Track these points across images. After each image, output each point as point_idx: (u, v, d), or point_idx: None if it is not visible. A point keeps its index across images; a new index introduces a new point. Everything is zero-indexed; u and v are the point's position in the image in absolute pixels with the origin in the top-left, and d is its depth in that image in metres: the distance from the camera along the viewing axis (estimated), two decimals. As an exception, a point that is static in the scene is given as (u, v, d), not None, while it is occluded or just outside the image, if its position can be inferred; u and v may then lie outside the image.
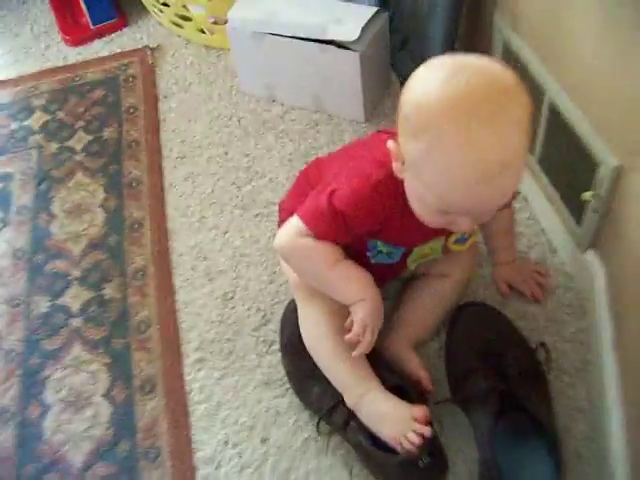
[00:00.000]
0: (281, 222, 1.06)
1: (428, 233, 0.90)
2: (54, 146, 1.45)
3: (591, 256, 1.03)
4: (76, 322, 1.16)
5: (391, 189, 0.82)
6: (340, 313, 0.92)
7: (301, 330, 0.96)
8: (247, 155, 1.37)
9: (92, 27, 1.66)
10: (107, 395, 1.06)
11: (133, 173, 1.37)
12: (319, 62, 1.30)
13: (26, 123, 1.50)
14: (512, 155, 0.67)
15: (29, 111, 1.53)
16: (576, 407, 0.97)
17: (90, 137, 1.45)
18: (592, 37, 0.90)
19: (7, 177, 1.40)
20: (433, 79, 0.69)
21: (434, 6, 1.19)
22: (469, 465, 0.93)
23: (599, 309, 0.98)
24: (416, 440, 0.84)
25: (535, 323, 1.06)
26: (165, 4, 1.56)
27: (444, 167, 0.68)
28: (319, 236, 0.86)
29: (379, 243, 0.93)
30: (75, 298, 1.19)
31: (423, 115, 0.69)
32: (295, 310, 0.99)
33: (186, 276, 1.20)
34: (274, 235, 1.18)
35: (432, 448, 0.86)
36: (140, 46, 1.64)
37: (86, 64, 1.61)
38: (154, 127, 1.44)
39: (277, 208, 1.11)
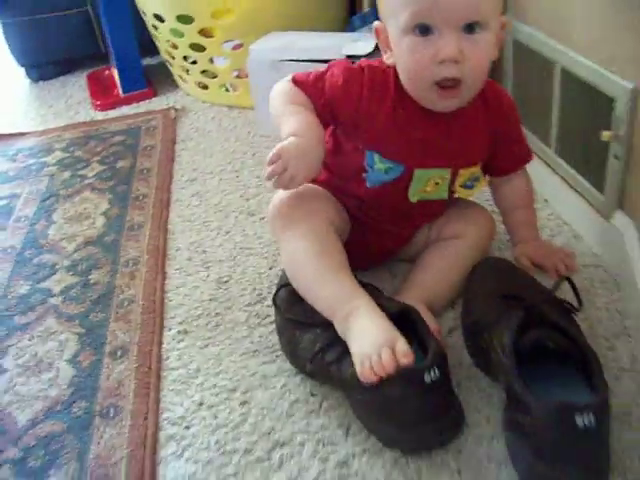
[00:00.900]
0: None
1: (430, 151, 0.87)
2: (67, 174, 1.44)
3: (619, 218, 0.95)
4: (54, 300, 1.05)
5: (377, 79, 0.86)
6: (319, 237, 0.84)
7: (282, 261, 0.88)
8: (258, 177, 1.34)
9: (122, 95, 1.74)
10: (72, 360, 0.93)
11: (141, 191, 1.33)
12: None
13: (43, 160, 1.51)
14: None
15: (49, 151, 1.55)
16: (619, 367, 0.83)
17: (104, 167, 1.45)
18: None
19: (14, 196, 1.38)
20: None
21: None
22: (492, 425, 0.77)
23: (635, 270, 0.87)
24: (387, 365, 0.70)
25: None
26: (194, 62, 1.64)
27: None
28: (297, 82, 0.89)
29: (376, 157, 0.87)
30: (59, 282, 1.09)
31: None
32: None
33: (181, 265, 1.11)
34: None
35: (440, 364, 0.71)
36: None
37: (111, 120, 1.66)
38: (168, 159, 1.44)
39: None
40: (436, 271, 0.94)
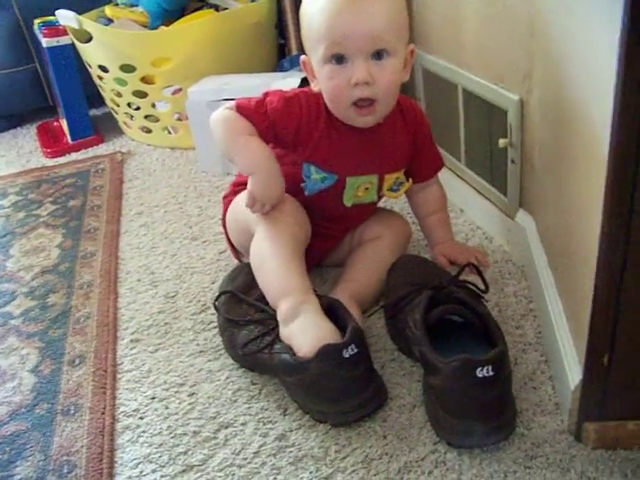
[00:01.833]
0: (225, 211, 1.13)
1: (358, 161, 1.01)
2: (22, 214, 1.53)
3: (521, 216, 1.10)
4: (15, 322, 1.14)
5: (311, 102, 1.00)
6: (288, 230, 0.96)
7: (251, 251, 0.98)
8: (200, 207, 1.47)
9: (71, 142, 1.85)
10: (33, 370, 1.02)
11: (92, 225, 1.44)
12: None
13: (-2, 203, 1.61)
14: None
15: (3, 195, 1.64)
16: (526, 342, 0.95)
17: (56, 206, 1.55)
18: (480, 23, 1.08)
19: (-31, 237, 1.46)
20: None
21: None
22: (413, 396, 0.88)
23: (535, 259, 1.01)
24: None
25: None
26: (137, 108, 1.76)
27: (320, 9, 0.90)
28: (240, 109, 0.98)
29: (312, 168, 1.01)
30: (18, 306, 1.18)
31: (302, 10, 0.96)
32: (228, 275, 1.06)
33: (132, 285, 1.21)
34: (220, 253, 1.25)
35: (358, 341, 0.83)
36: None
37: (61, 166, 1.77)
38: (117, 196, 1.54)
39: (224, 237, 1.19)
40: (361, 268, 1.07)
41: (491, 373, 0.75)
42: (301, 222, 1.01)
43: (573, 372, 0.77)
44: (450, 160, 1.28)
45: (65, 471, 0.83)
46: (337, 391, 0.83)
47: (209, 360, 1.00)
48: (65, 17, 1.71)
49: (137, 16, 1.80)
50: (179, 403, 0.93)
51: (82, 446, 0.87)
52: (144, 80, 1.71)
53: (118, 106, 1.84)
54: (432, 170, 1.13)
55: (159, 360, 1.01)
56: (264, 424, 0.87)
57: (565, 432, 0.79)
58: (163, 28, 1.72)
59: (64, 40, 1.75)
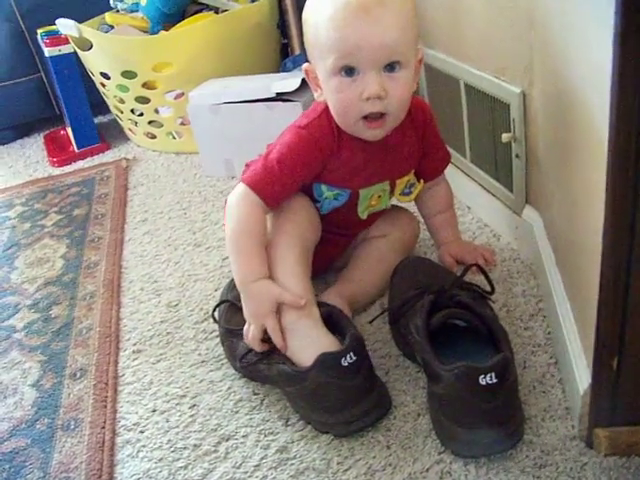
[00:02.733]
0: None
1: (369, 172, 0.97)
2: (27, 225, 1.53)
3: (528, 212, 1.06)
4: (18, 335, 1.13)
5: (322, 125, 0.93)
6: (297, 230, 0.93)
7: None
8: (204, 212, 1.45)
9: (77, 151, 1.84)
10: (35, 384, 1.01)
11: (96, 234, 1.43)
12: (269, 122, 1.43)
13: (5, 214, 1.60)
14: None
15: (10, 207, 1.64)
16: (534, 344, 0.92)
17: (61, 216, 1.54)
18: (480, 16, 1.05)
19: (-24, 250, 1.46)
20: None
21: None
22: (417, 403, 0.86)
23: (543, 256, 0.98)
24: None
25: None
26: (141, 114, 1.75)
27: (328, 18, 0.82)
28: (266, 198, 0.91)
29: (323, 187, 0.97)
30: (21, 319, 1.18)
31: (305, 16, 0.89)
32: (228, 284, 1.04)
33: (134, 295, 1.20)
34: (224, 259, 1.24)
35: (357, 349, 0.80)
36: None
37: (67, 174, 1.77)
38: (121, 203, 1.53)
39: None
40: (362, 267, 1.04)
41: (495, 380, 0.72)
42: (311, 220, 0.98)
43: (582, 376, 0.74)
44: (456, 157, 1.25)
45: (63, 488, 0.82)
46: (337, 401, 0.80)
47: (211, 370, 0.98)
48: (65, 26, 1.70)
49: (137, 22, 1.79)
50: (180, 415, 0.91)
51: (81, 462, 0.85)
52: (146, 86, 1.69)
53: (122, 113, 1.83)
54: (440, 167, 1.09)
55: (161, 371, 1.00)
56: (265, 436, 0.85)
57: (576, 438, 0.76)
58: (163, 33, 1.70)
59: (66, 49, 1.74)
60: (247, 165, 1.08)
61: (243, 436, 0.86)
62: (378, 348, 0.96)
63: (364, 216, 1.02)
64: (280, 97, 1.42)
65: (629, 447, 0.72)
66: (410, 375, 0.91)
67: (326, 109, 0.93)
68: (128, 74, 1.67)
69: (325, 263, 1.11)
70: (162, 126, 1.75)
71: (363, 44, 0.81)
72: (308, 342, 0.84)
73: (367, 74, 0.84)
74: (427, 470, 0.76)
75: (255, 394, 0.92)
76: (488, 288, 0.93)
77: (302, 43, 1.72)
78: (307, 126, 0.94)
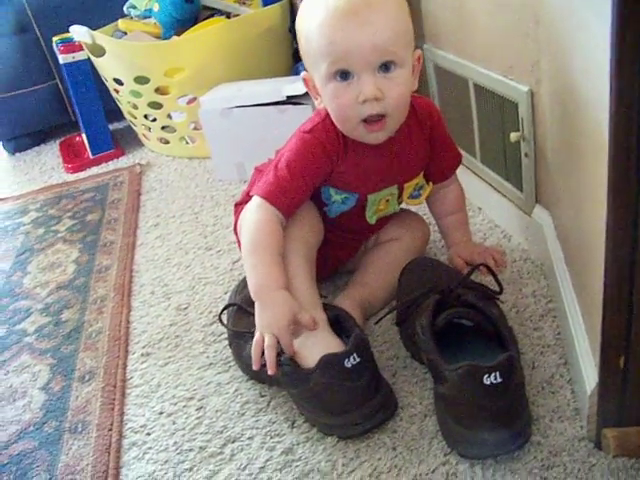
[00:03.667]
0: (236, 219, 1.10)
1: (377, 177, 0.96)
2: (41, 230, 1.55)
3: (538, 212, 1.05)
4: (29, 339, 1.14)
5: (327, 129, 0.93)
6: (299, 234, 0.93)
7: None
8: (215, 216, 1.45)
9: (91, 157, 1.86)
10: (44, 387, 1.02)
11: (108, 238, 1.44)
12: (280, 125, 1.43)
13: (19, 220, 1.62)
14: None
15: (24, 212, 1.66)
16: (544, 344, 0.91)
17: (75, 221, 1.55)
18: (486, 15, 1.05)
19: (-9, 254, 1.48)
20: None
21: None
22: (424, 405, 0.85)
23: (552, 256, 0.97)
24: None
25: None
26: (154, 120, 1.76)
27: (317, 25, 0.83)
28: (281, 207, 0.91)
29: (332, 191, 0.97)
30: (33, 323, 1.19)
31: (298, 26, 0.89)
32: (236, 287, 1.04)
33: (144, 298, 1.20)
34: (234, 262, 1.24)
35: (360, 350, 0.80)
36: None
37: (81, 180, 1.78)
38: (134, 208, 1.54)
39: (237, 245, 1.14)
40: (374, 271, 1.04)
41: (499, 380, 0.71)
42: (313, 223, 0.98)
43: (590, 376, 0.73)
44: (466, 157, 1.24)
45: (69, 491, 0.82)
46: (341, 403, 0.80)
47: (218, 372, 0.98)
48: (79, 33, 1.72)
49: (150, 27, 1.80)
50: (187, 418, 0.91)
51: (87, 464, 0.86)
52: (158, 91, 1.70)
53: (135, 118, 1.84)
54: (450, 169, 1.08)
55: (168, 374, 1.00)
56: (271, 437, 0.85)
57: (584, 439, 0.75)
58: (175, 38, 1.71)
59: (80, 56, 1.76)
60: (256, 169, 1.08)
61: (249, 438, 0.85)
62: (386, 349, 0.96)
63: (372, 221, 1.02)
64: (291, 100, 1.42)
65: (638, 448, 0.71)
66: (417, 376, 0.90)
67: (328, 115, 0.93)
68: (141, 80, 1.68)
69: (333, 266, 1.10)
70: (175, 131, 1.76)
71: (354, 47, 0.81)
72: (313, 343, 0.83)
73: (362, 77, 0.84)
74: (433, 472, 0.75)
75: (262, 396, 0.92)
76: (497, 288, 0.92)
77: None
78: (312, 130, 0.94)
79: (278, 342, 0.83)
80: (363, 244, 1.11)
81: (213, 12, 1.85)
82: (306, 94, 1.40)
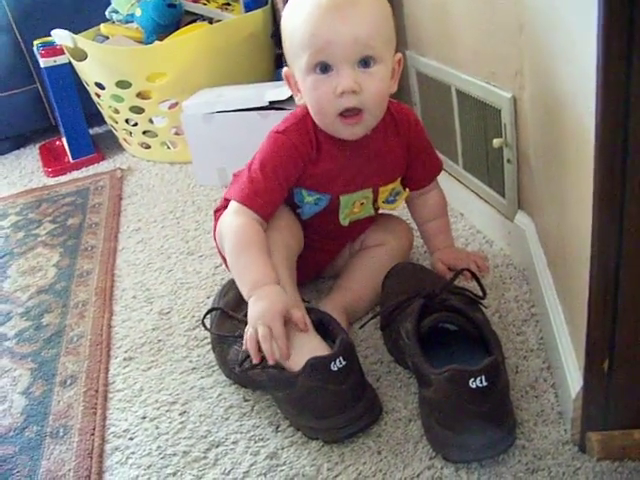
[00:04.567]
0: (215, 225, 1.10)
1: (349, 178, 0.97)
2: (21, 234, 1.53)
3: (520, 218, 1.06)
4: (9, 343, 1.13)
5: (300, 130, 0.94)
6: (279, 236, 0.94)
7: None
8: (197, 221, 1.45)
9: (71, 161, 1.84)
10: (25, 392, 1.00)
11: (90, 242, 1.42)
12: (262, 131, 1.42)
13: (-2, 224, 1.60)
14: None
15: (4, 216, 1.64)
16: (527, 349, 0.92)
17: (55, 225, 1.54)
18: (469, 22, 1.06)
19: (-32, 259, 1.46)
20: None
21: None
22: (409, 409, 0.85)
23: (535, 261, 0.98)
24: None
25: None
26: (135, 124, 1.75)
27: (302, 20, 0.86)
28: (255, 207, 0.92)
29: (304, 192, 0.97)
30: (13, 327, 1.17)
31: (283, 24, 0.91)
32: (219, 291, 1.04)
33: (126, 303, 1.19)
34: (216, 267, 1.23)
35: (346, 353, 0.80)
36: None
37: (61, 184, 1.76)
38: (115, 213, 1.53)
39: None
40: (359, 276, 1.04)
41: (485, 383, 0.72)
42: (292, 227, 0.98)
43: (574, 379, 0.73)
44: (448, 163, 1.25)
45: (51, 496, 0.81)
46: (326, 406, 0.79)
47: (202, 377, 0.97)
48: (60, 36, 1.71)
49: (132, 32, 1.79)
50: (170, 422, 0.90)
51: (69, 469, 0.84)
52: (140, 96, 1.70)
53: (117, 123, 1.83)
54: (430, 176, 1.08)
55: (151, 378, 0.99)
56: (255, 442, 0.84)
57: (569, 443, 0.76)
58: (157, 43, 1.71)
59: (61, 59, 1.75)
60: (235, 175, 1.08)
61: (233, 442, 0.85)
62: (370, 354, 0.96)
63: (345, 223, 1.02)
64: (273, 106, 1.42)
65: (622, 451, 0.72)
66: (402, 381, 0.90)
67: (306, 115, 0.94)
68: (122, 84, 1.67)
69: (313, 269, 1.10)
70: (156, 136, 1.75)
71: (335, 39, 0.84)
72: (298, 346, 0.83)
73: (341, 70, 0.86)
74: (418, 476, 0.75)
75: (246, 400, 0.91)
76: (480, 293, 0.93)
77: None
78: (285, 131, 0.95)
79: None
80: (346, 248, 1.11)
81: (195, 17, 1.85)
82: (288, 99, 1.40)
